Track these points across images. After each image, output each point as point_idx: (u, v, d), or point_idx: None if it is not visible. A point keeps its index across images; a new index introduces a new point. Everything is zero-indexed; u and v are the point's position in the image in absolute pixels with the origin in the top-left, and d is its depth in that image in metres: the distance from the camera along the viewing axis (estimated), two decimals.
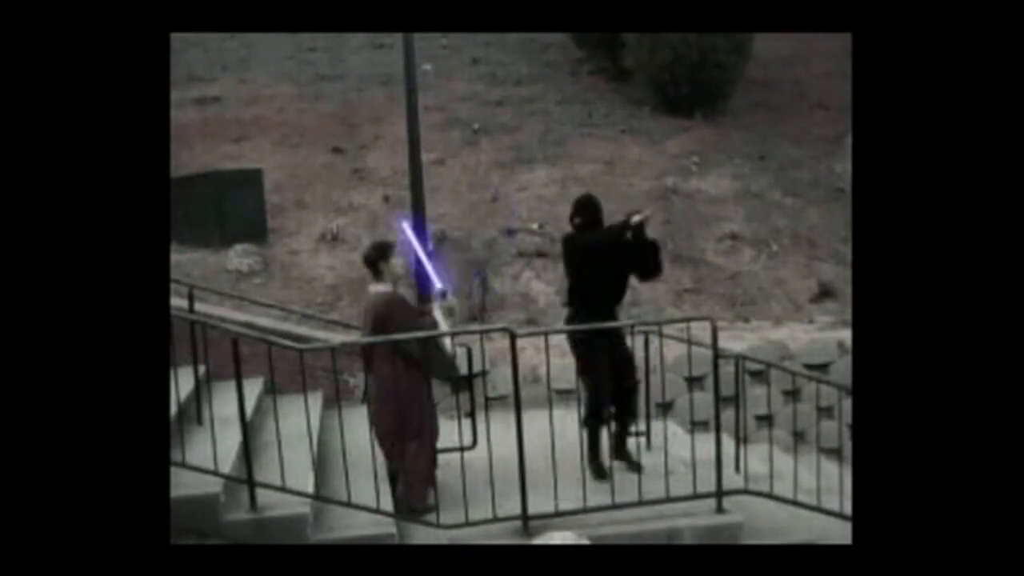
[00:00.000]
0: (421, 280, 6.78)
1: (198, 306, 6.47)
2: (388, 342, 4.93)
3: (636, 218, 5.30)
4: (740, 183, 10.89)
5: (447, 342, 5.23)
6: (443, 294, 5.31)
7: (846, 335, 7.57)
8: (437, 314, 5.15)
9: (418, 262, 5.98)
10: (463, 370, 5.87)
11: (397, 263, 5.20)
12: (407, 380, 4.98)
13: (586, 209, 5.53)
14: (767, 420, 6.83)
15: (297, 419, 4.93)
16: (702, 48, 12.00)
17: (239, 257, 8.79)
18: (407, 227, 6.13)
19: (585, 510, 4.87)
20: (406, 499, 5.00)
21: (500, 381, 7.08)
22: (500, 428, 4.94)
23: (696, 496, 5.04)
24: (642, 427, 5.92)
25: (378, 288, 5.11)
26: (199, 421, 5.52)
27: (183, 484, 4.42)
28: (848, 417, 6.99)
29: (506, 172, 10.82)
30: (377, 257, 5.12)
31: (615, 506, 4.93)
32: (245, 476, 4.61)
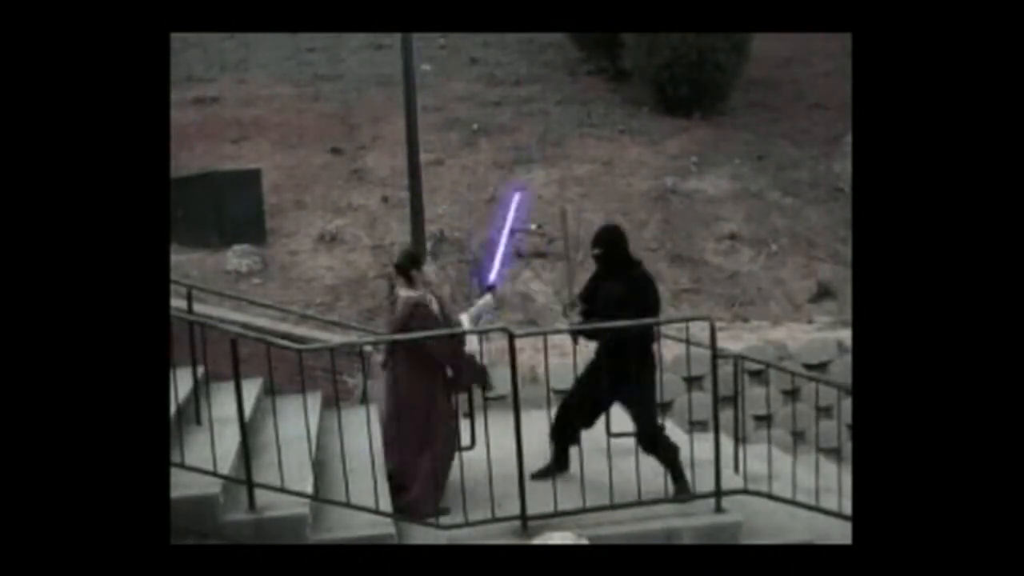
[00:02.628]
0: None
1: (197, 307, 6.46)
2: (407, 347, 4.93)
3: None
4: (739, 183, 10.90)
5: (474, 348, 5.18)
6: (489, 288, 5.28)
7: (845, 335, 7.57)
8: (463, 317, 5.15)
9: (493, 242, 5.55)
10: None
11: (429, 270, 5.22)
12: (424, 386, 5.01)
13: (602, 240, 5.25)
14: (766, 420, 6.83)
15: (296, 420, 4.93)
16: (701, 48, 12.00)
17: (238, 258, 8.79)
18: (516, 199, 5.59)
19: (584, 510, 4.87)
20: (416, 506, 4.98)
21: (499, 381, 7.08)
22: (499, 428, 4.93)
23: (695, 496, 5.04)
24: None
25: (409, 293, 5.12)
26: (198, 422, 5.51)
27: (182, 485, 4.41)
28: (847, 417, 6.99)
29: (505, 172, 10.82)
30: (411, 265, 5.14)
31: (614, 506, 4.93)
32: (244, 477, 4.60)
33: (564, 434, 5.48)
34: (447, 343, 5.01)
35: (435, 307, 5.14)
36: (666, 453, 5.16)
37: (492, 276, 5.30)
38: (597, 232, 5.34)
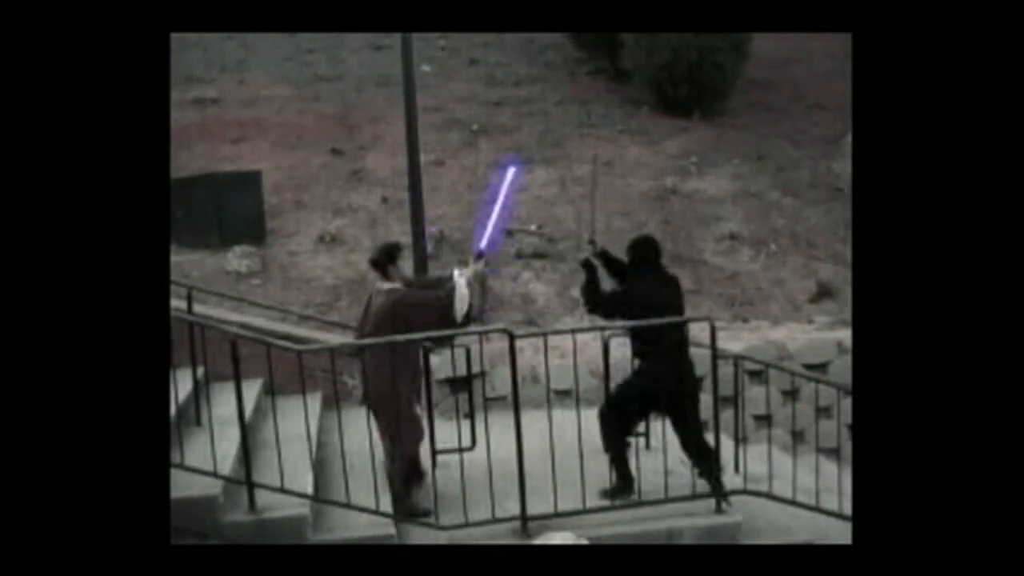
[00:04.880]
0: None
1: (197, 307, 6.47)
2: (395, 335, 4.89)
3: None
4: (739, 183, 10.90)
5: (463, 292, 5.05)
6: (478, 255, 5.26)
7: (845, 335, 7.56)
8: (460, 282, 5.02)
9: (488, 210, 5.67)
10: (462, 370, 5.87)
11: (404, 266, 5.19)
12: (403, 380, 4.99)
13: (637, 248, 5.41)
14: (766, 420, 6.82)
15: (296, 420, 4.93)
16: (700, 48, 12.01)
17: (238, 258, 8.79)
18: (511, 172, 5.78)
19: (584, 510, 4.87)
20: (403, 503, 4.98)
21: (499, 382, 7.08)
22: (499, 429, 4.93)
23: (695, 496, 5.04)
24: (641, 427, 5.92)
25: (387, 286, 5.10)
26: (198, 422, 5.51)
27: (182, 485, 4.41)
28: (847, 417, 6.99)
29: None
30: (386, 260, 5.12)
31: (614, 506, 4.93)
32: (244, 477, 4.60)
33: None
34: (436, 316, 4.97)
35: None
36: (612, 449, 5.22)
37: (483, 243, 5.35)
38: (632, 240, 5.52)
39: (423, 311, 4.96)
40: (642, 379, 5.20)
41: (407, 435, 5.02)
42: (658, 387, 5.11)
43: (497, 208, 5.49)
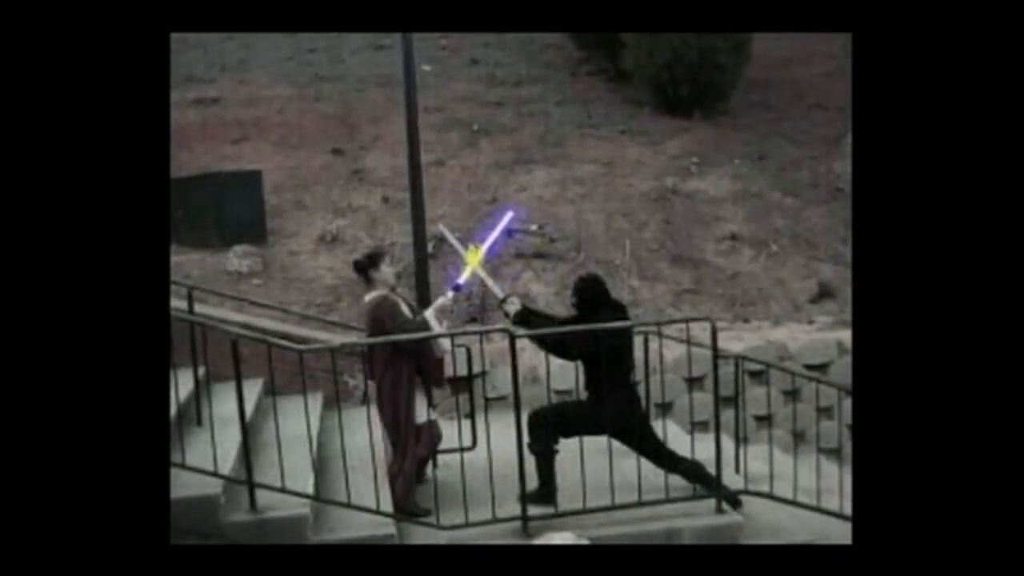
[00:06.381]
0: (421, 284, 6.76)
1: (198, 307, 6.47)
2: (384, 345, 4.94)
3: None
4: (739, 183, 10.89)
5: (442, 343, 5.20)
6: (455, 289, 5.28)
7: (845, 335, 7.57)
8: (428, 313, 5.12)
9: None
10: (462, 370, 5.87)
11: (388, 272, 5.19)
12: (405, 382, 5.01)
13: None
14: (767, 420, 6.83)
15: (297, 420, 4.93)
16: (701, 48, 12.00)
17: (238, 258, 8.79)
18: (509, 216, 5.90)
19: (585, 511, 4.87)
20: (404, 503, 5.00)
21: (500, 382, 7.09)
22: (500, 429, 4.94)
23: (695, 496, 5.04)
24: None
25: (372, 294, 5.13)
26: (199, 422, 5.52)
27: (183, 485, 4.42)
28: (848, 417, 6.99)
29: (505, 173, 10.81)
30: (368, 266, 5.14)
31: (615, 507, 4.93)
32: (245, 477, 4.61)
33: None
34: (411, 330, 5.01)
35: (403, 307, 5.18)
36: (538, 460, 5.13)
37: (462, 279, 5.33)
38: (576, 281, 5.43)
39: (396, 327, 4.98)
40: (603, 423, 5.07)
41: (413, 439, 5.06)
42: (616, 424, 5.06)
43: (487, 246, 5.54)
